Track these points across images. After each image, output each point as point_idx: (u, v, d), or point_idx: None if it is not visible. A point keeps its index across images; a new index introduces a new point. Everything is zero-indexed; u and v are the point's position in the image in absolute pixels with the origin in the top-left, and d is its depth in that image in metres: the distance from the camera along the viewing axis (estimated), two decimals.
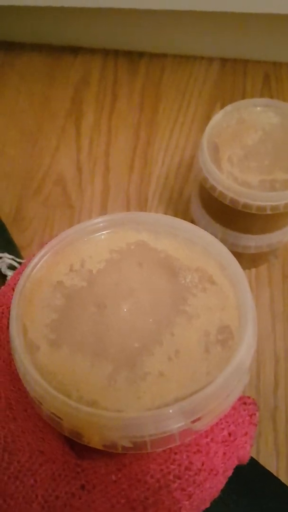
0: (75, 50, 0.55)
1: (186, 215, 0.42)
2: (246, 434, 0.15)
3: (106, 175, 0.45)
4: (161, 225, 0.19)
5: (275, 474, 0.30)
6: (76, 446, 0.16)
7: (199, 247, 0.19)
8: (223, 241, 0.34)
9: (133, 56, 0.53)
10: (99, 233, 0.19)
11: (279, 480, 0.25)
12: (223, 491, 0.17)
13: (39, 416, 0.16)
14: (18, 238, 0.41)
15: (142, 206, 0.43)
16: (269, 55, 0.51)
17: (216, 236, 0.37)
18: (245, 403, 0.16)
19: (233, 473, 0.17)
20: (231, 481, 0.17)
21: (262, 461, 0.31)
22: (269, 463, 0.31)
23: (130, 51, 0.53)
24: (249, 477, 0.23)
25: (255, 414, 0.16)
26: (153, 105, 0.49)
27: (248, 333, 0.15)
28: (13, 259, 0.30)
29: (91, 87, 0.52)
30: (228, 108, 0.32)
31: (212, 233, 0.35)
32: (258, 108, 0.33)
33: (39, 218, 0.43)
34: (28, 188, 0.45)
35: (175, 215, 0.41)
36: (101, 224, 0.19)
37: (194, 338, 0.16)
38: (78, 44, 0.55)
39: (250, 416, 0.16)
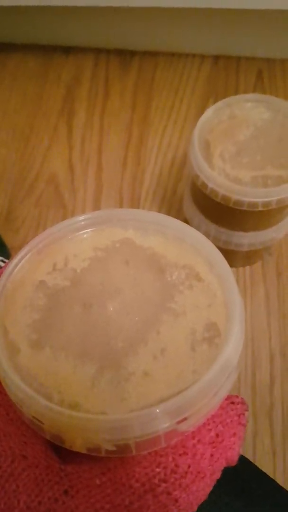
0: (66, 50, 0.54)
1: (179, 213, 0.42)
2: (234, 434, 0.15)
3: (99, 174, 0.45)
4: (149, 222, 0.19)
5: (271, 474, 0.29)
6: (60, 450, 0.16)
7: (187, 244, 0.18)
8: (216, 239, 0.34)
9: (125, 55, 0.53)
10: (83, 231, 0.19)
11: (274, 481, 0.25)
12: (215, 493, 0.16)
13: (22, 419, 0.16)
14: (10, 238, 0.41)
15: (135, 204, 0.43)
16: (262, 51, 0.50)
17: (209, 234, 0.37)
18: (233, 403, 0.16)
19: (226, 475, 0.16)
20: (224, 482, 0.17)
21: (258, 461, 0.30)
22: (266, 462, 0.30)
23: (122, 50, 0.53)
24: (243, 478, 0.22)
25: (243, 414, 0.15)
26: (146, 103, 0.49)
27: (235, 330, 0.15)
28: (1, 261, 0.30)
29: (83, 86, 0.51)
30: (219, 104, 0.32)
31: (205, 231, 0.35)
32: (249, 104, 0.32)
33: (32, 218, 0.43)
34: (20, 187, 0.45)
35: (169, 213, 0.41)
36: (86, 222, 0.18)
37: (180, 336, 0.16)
38: (70, 44, 0.54)
39: (239, 416, 0.15)
